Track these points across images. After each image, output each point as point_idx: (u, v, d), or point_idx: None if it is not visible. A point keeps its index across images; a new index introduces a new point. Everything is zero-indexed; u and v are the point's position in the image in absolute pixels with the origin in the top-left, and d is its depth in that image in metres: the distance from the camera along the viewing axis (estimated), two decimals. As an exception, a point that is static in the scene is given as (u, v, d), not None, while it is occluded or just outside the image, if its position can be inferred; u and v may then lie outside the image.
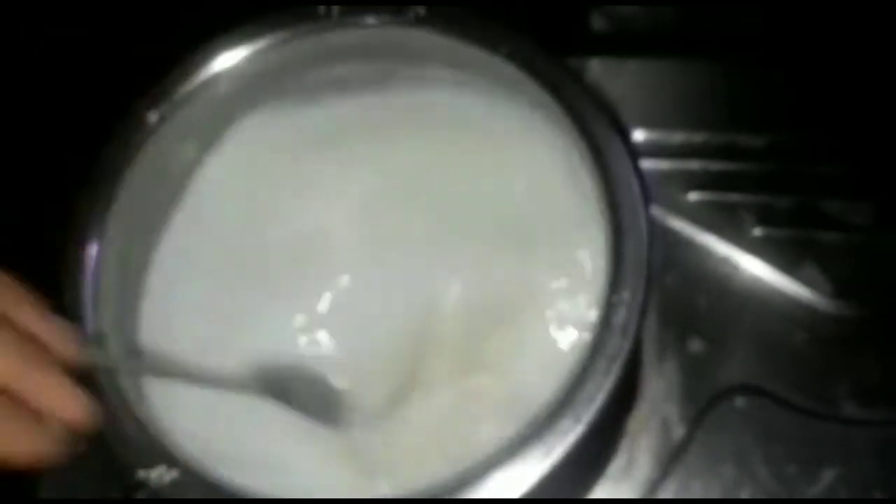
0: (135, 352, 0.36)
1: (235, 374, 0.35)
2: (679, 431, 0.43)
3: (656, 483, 0.42)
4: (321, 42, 0.39)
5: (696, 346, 0.44)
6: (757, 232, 0.46)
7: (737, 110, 0.48)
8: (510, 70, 0.36)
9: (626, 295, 0.33)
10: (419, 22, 0.37)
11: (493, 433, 0.33)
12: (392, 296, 0.36)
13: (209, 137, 0.40)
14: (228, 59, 0.37)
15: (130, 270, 0.37)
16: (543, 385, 0.33)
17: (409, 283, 0.37)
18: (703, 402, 0.43)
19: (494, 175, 0.38)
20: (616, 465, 0.43)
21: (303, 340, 0.37)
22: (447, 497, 0.31)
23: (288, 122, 0.40)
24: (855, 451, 0.42)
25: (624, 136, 0.35)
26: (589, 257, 0.35)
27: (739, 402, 0.43)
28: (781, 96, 0.47)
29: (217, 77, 0.38)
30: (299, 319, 0.37)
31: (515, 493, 0.31)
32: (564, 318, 0.34)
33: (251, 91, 0.39)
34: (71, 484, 0.42)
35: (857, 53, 0.46)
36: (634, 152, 0.35)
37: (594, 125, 0.35)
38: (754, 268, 0.45)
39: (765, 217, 0.46)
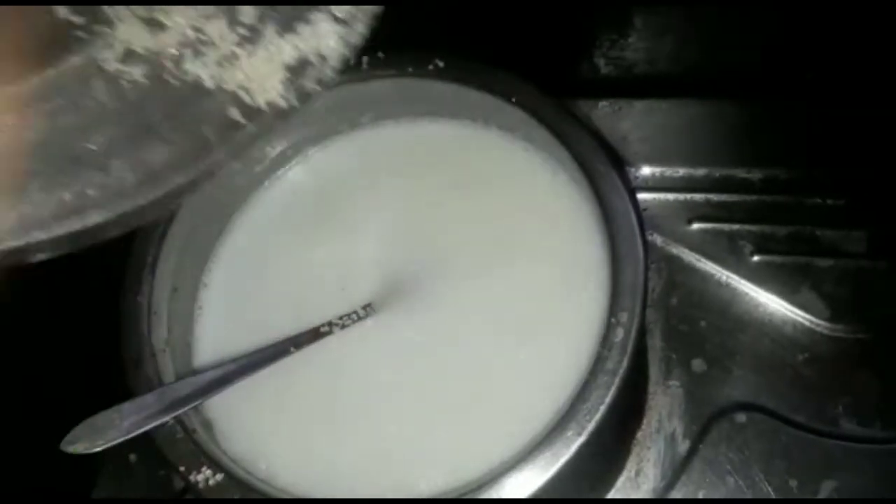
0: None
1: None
2: (684, 446, 0.45)
3: (662, 494, 0.45)
4: (351, 91, 0.43)
5: (699, 365, 0.47)
6: (755, 259, 0.49)
7: (735, 146, 0.51)
8: (519, 115, 0.40)
9: (623, 317, 0.36)
10: (439, 73, 0.42)
11: (500, 444, 0.36)
12: (410, 320, 0.40)
13: (250, 175, 0.45)
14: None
15: (180, 291, 0.41)
16: (549, 400, 0.36)
17: (423, 306, 0.40)
18: (706, 419, 0.46)
19: (505, 209, 0.42)
20: (624, 477, 0.45)
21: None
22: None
23: (322, 162, 0.45)
24: (852, 467, 0.44)
25: (622, 172, 0.38)
26: (590, 283, 0.38)
27: (741, 418, 0.45)
28: (777, 133, 0.50)
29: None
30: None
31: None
32: (567, 338, 0.38)
33: (286, 134, 0.44)
34: (124, 484, 0.47)
35: (848, 92, 0.48)
36: (632, 187, 0.38)
37: (595, 163, 0.38)
38: (753, 293, 0.48)
39: (763, 245, 0.49)
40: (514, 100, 0.40)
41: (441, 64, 0.41)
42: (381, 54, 0.42)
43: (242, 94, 0.24)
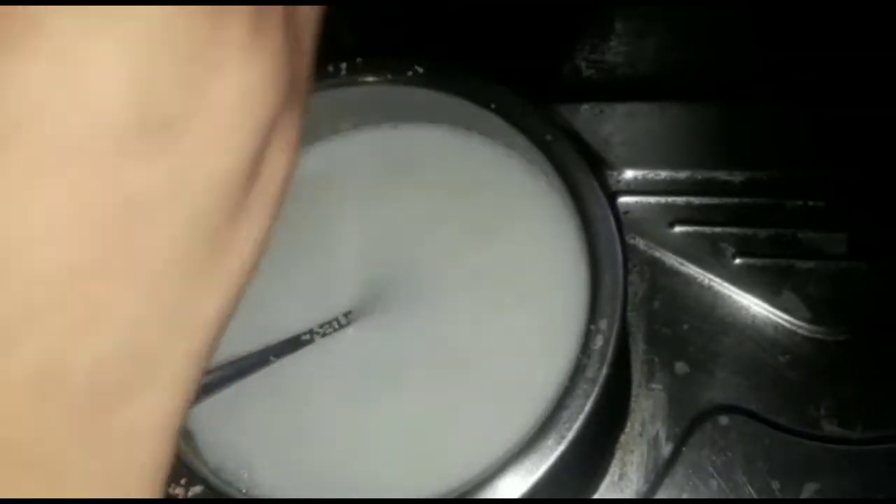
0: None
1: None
2: (667, 449, 0.45)
3: (645, 497, 0.45)
4: (331, 97, 0.43)
5: (681, 368, 0.47)
6: (737, 262, 0.49)
7: (717, 149, 0.51)
8: (499, 122, 0.40)
9: (603, 324, 0.36)
10: (418, 79, 0.41)
11: (481, 452, 0.36)
12: (390, 327, 0.40)
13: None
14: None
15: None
16: (529, 408, 0.37)
17: (404, 313, 0.40)
18: (689, 422, 0.46)
19: (485, 215, 0.42)
20: (607, 480, 0.45)
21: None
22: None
23: (301, 168, 0.45)
24: (834, 468, 0.44)
25: (601, 178, 0.39)
26: (570, 289, 0.38)
27: (723, 421, 0.46)
28: (758, 136, 0.50)
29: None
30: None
31: (504, 508, 0.34)
32: (548, 346, 0.38)
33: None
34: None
35: (829, 94, 0.49)
36: (611, 192, 0.39)
37: (574, 169, 0.39)
38: (735, 295, 0.48)
39: (744, 248, 0.49)
40: (493, 106, 0.40)
41: (420, 70, 0.41)
42: (360, 60, 0.42)
43: None
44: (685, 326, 0.48)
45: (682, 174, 0.51)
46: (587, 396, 0.35)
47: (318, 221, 0.44)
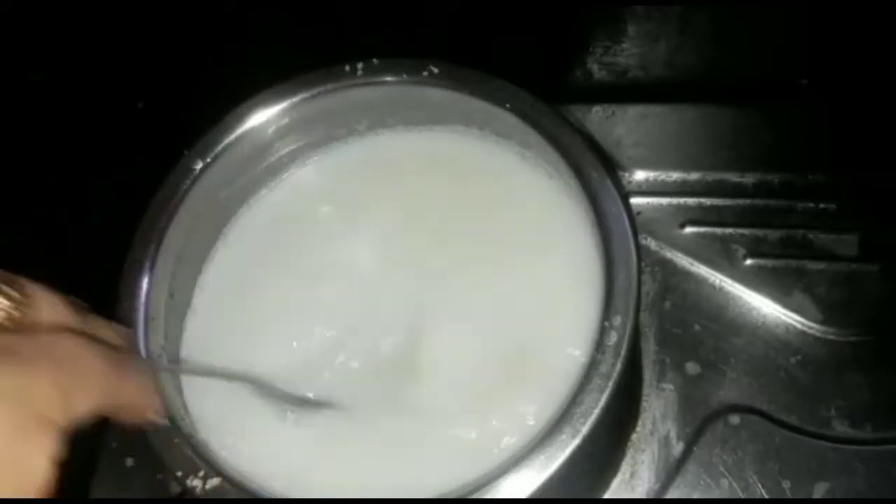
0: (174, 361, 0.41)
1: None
2: (678, 448, 0.46)
3: (656, 496, 0.45)
4: (347, 97, 0.43)
5: (693, 368, 0.47)
6: (748, 262, 0.49)
7: (728, 151, 0.51)
8: (514, 121, 0.40)
9: (617, 320, 0.36)
10: (433, 79, 0.42)
11: (496, 448, 0.36)
12: (407, 327, 0.41)
13: (247, 181, 0.45)
14: (264, 115, 0.42)
15: (177, 296, 0.42)
16: (544, 403, 0.37)
17: (419, 312, 0.41)
18: (700, 421, 0.46)
19: (499, 214, 0.42)
20: (619, 479, 0.46)
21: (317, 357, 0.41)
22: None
23: (319, 168, 0.46)
24: (845, 468, 0.44)
25: (615, 177, 0.39)
26: (584, 287, 0.39)
27: (735, 421, 0.46)
28: (770, 137, 0.51)
29: (254, 130, 0.42)
30: (316, 338, 0.41)
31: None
32: (562, 342, 0.38)
33: (283, 141, 0.44)
34: (121, 489, 0.47)
35: (840, 96, 0.49)
36: (625, 191, 0.39)
37: (588, 168, 0.39)
38: (746, 296, 0.48)
39: (755, 249, 0.49)
40: (508, 106, 0.40)
41: (436, 70, 0.42)
42: (375, 61, 0.43)
43: None
44: (696, 327, 0.48)
45: (694, 175, 0.51)
46: (601, 392, 0.36)
47: (334, 220, 0.44)
